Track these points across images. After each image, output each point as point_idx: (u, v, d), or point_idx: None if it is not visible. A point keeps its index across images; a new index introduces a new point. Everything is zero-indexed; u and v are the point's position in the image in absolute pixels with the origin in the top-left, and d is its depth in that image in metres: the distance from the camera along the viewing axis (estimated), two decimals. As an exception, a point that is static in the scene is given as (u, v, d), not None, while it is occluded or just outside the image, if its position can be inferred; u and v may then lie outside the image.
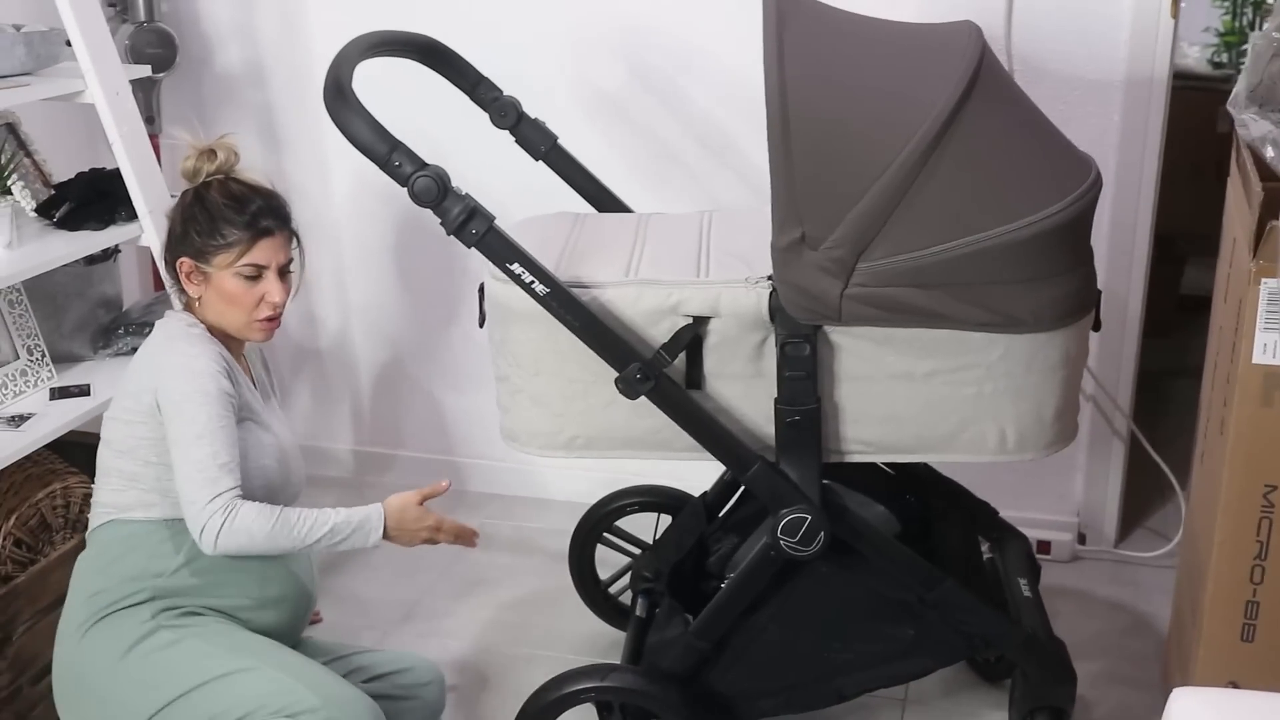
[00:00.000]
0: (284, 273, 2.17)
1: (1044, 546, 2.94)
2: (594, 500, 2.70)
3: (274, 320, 2.17)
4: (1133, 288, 2.81)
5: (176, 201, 2.18)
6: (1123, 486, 2.97)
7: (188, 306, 2.19)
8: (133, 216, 2.54)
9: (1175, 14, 2.62)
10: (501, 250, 1.90)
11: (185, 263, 2.14)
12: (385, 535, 2.11)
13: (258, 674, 2.02)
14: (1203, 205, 3.66)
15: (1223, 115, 4.04)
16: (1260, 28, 2.74)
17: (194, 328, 2.14)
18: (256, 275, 2.13)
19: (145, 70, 2.72)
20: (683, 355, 1.96)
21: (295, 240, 2.20)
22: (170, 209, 2.20)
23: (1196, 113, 3.39)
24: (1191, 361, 3.91)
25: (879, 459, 2.06)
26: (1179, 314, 4.12)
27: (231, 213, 2.11)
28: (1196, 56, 4.12)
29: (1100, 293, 2.02)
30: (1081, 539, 2.99)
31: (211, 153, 2.15)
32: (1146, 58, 2.64)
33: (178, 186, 2.64)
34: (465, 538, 2.20)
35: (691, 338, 1.95)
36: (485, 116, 2.38)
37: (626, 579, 2.61)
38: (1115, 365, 2.86)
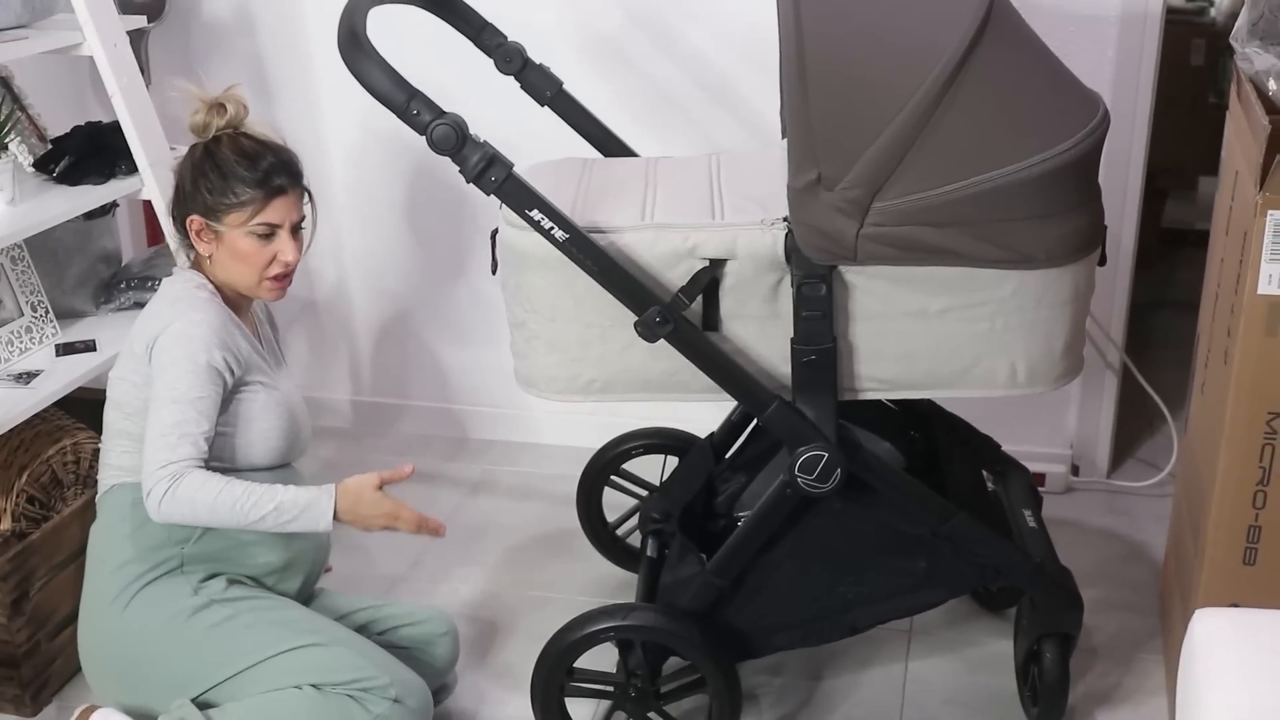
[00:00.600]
0: (296, 230, 2.17)
1: (1039, 479, 2.97)
2: (595, 445, 2.73)
3: (285, 279, 2.17)
4: (1125, 221, 2.85)
5: (184, 157, 2.16)
6: (1115, 418, 3.03)
7: (195, 264, 2.18)
8: (133, 170, 2.53)
9: (1168, -51, 2.64)
10: (521, 197, 1.91)
11: (195, 220, 2.12)
12: (336, 518, 2.03)
13: (325, 649, 2.06)
14: (1181, 140, 3.71)
15: (1196, 48, 4.10)
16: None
17: (201, 290, 2.13)
18: (269, 234, 2.12)
19: (141, 21, 2.69)
20: (700, 298, 1.98)
21: (308, 197, 2.20)
22: (177, 164, 2.18)
23: (1171, 47, 3.41)
24: (1174, 294, 4.00)
25: (893, 396, 2.09)
26: (1161, 246, 4.18)
27: (244, 170, 2.09)
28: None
29: (1106, 228, 2.06)
30: (1075, 470, 3.05)
31: (221, 106, 2.12)
32: (1140, -6, 2.66)
33: (175, 139, 2.64)
34: (429, 529, 2.08)
35: (709, 280, 1.97)
36: (490, 63, 2.38)
37: (634, 521, 2.65)
38: (1108, 298, 2.91)
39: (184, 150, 2.60)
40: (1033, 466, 2.95)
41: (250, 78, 3.14)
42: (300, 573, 2.23)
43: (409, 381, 3.37)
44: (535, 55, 2.39)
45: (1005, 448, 2.55)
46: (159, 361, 2.05)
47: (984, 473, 2.48)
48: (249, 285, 2.16)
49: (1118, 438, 3.10)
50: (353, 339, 3.37)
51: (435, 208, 3.12)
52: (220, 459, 2.11)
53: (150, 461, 2.00)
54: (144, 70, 3.07)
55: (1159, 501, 2.92)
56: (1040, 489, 2.96)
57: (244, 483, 2.01)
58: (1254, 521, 2.04)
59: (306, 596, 2.29)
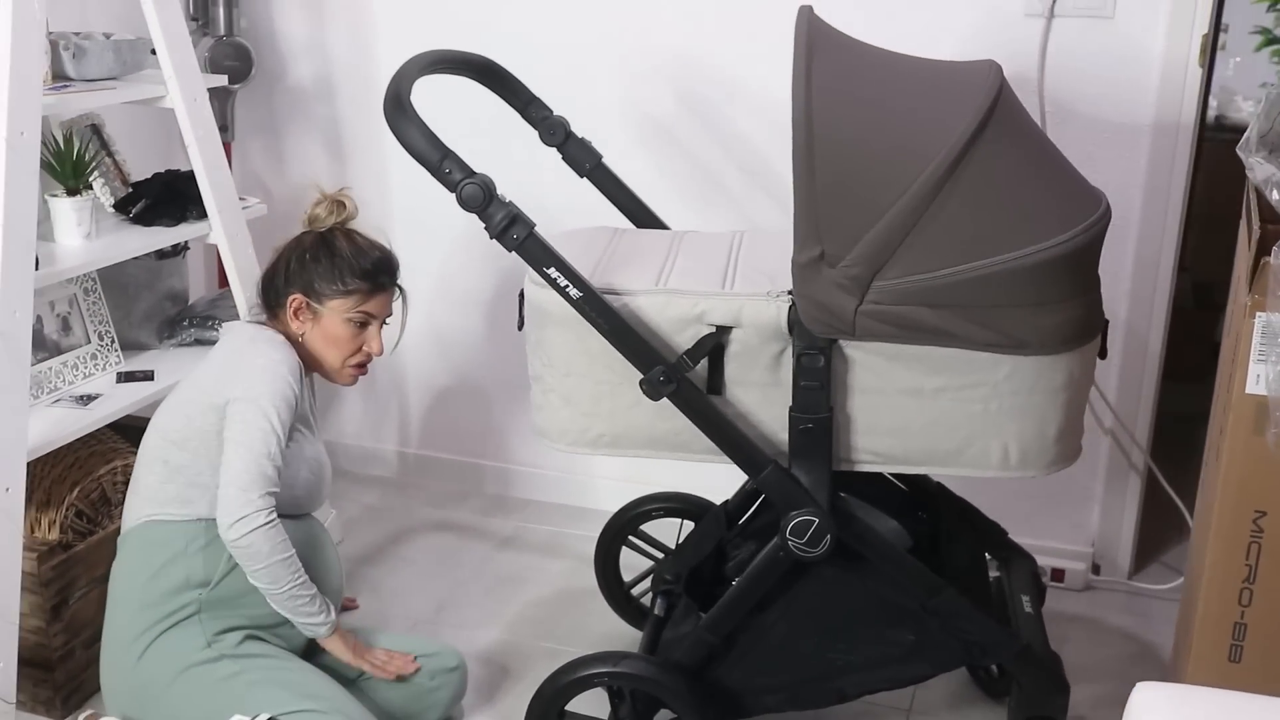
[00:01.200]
0: (382, 324, 2.36)
1: (1058, 574, 3.03)
2: (624, 507, 2.83)
3: (364, 369, 2.38)
4: (1154, 326, 2.89)
5: (294, 240, 2.36)
6: (1139, 520, 3.05)
7: (283, 334, 2.34)
8: (203, 215, 2.71)
9: (1203, 63, 2.71)
10: (539, 255, 2.03)
11: (298, 299, 2.31)
12: (324, 643, 2.30)
13: (323, 716, 2.14)
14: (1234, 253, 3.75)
15: (1260, 166, 4.14)
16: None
17: (277, 336, 2.31)
18: (365, 323, 2.33)
19: (222, 80, 2.90)
20: (705, 362, 2.08)
21: (401, 295, 2.40)
22: (285, 243, 2.37)
23: (1230, 161, 3.47)
24: (1223, 408, 3.99)
25: (887, 469, 2.16)
26: (1213, 360, 4.18)
27: (357, 262, 2.30)
28: (1251, 111, 4.20)
29: (1107, 321, 2.12)
30: (1096, 569, 3.07)
31: (341, 204, 2.34)
32: (1174, 104, 2.74)
33: (247, 191, 2.83)
34: (404, 669, 2.37)
35: (714, 345, 2.07)
36: (535, 137, 2.52)
37: (649, 582, 2.73)
38: (1135, 401, 2.95)
39: (254, 204, 2.82)
40: (1053, 562, 3.02)
41: (326, 140, 3.34)
42: None
43: (453, 437, 3.51)
44: (589, 134, 2.53)
45: (1026, 541, 2.60)
46: (249, 396, 2.20)
47: (987, 556, 2.53)
48: (333, 368, 2.36)
49: (1144, 541, 3.11)
50: (403, 394, 3.52)
51: (491, 271, 3.27)
52: None
53: (246, 487, 2.15)
54: (230, 127, 3.29)
55: (1177, 605, 2.92)
56: (1059, 585, 3.02)
57: (292, 578, 2.20)
58: (1239, 619, 2.07)
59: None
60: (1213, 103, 4.26)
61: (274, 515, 2.17)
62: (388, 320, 2.40)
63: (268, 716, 1.48)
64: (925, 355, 2.03)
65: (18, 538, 2.25)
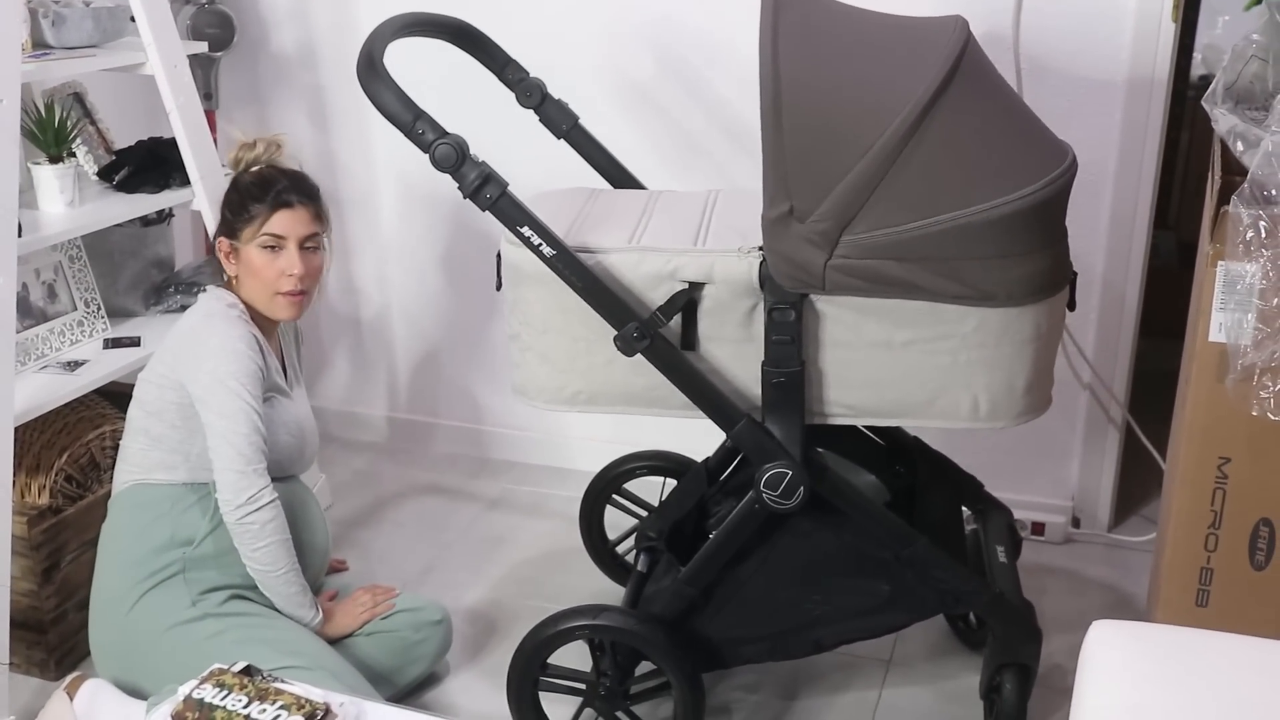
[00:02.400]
0: (307, 247, 2.34)
1: (1038, 528, 3.06)
2: (607, 466, 2.86)
3: (297, 295, 2.34)
4: (1130, 281, 2.92)
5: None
6: (1118, 474, 3.08)
7: (228, 285, 2.38)
8: (186, 182, 2.74)
9: (1176, 19, 2.73)
10: (513, 214, 2.06)
11: (223, 242, 2.35)
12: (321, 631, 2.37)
13: (305, 673, 2.14)
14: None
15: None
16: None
17: (233, 308, 2.32)
18: (276, 246, 2.31)
19: (202, 46, 2.92)
20: (679, 318, 2.11)
21: (322, 216, 2.38)
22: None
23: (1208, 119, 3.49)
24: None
25: (859, 422, 2.19)
26: (1197, 318, 4.21)
27: (257, 190, 2.31)
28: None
29: (1075, 274, 2.15)
30: (1075, 522, 3.10)
31: (251, 144, 2.36)
32: (1148, 60, 2.75)
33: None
34: (388, 596, 2.48)
35: (686, 301, 2.09)
36: (514, 101, 2.54)
37: (633, 539, 2.77)
38: (1112, 356, 2.98)
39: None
40: (1033, 516, 3.05)
41: (310, 109, 3.36)
42: None
43: (440, 402, 3.54)
44: (570, 99, 2.55)
45: (1005, 495, 2.64)
46: (213, 379, 2.24)
47: (963, 509, 2.56)
48: (265, 301, 2.34)
49: (1123, 494, 3.15)
50: (391, 359, 3.55)
51: (476, 238, 3.29)
52: None
53: (247, 464, 2.22)
54: (214, 95, 3.31)
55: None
56: (1039, 538, 3.06)
57: (282, 561, 2.27)
58: (1206, 564, 2.11)
59: (314, 591, 2.45)
60: (1197, 58, 4.26)
61: (275, 495, 2.23)
62: (311, 244, 2.35)
63: (244, 664, 1.51)
64: (894, 309, 2.05)
65: (7, 502, 2.29)
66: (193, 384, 2.25)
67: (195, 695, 1.47)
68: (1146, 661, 1.46)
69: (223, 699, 1.45)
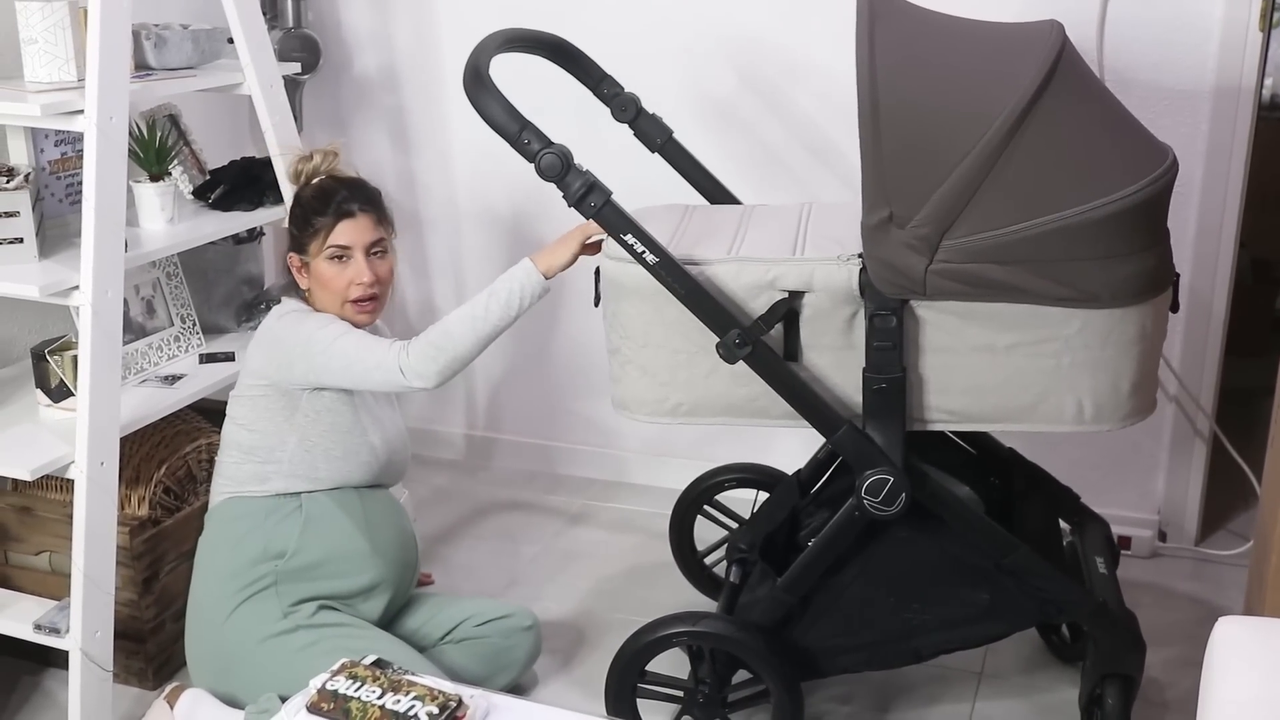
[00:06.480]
0: (375, 254, 2.36)
1: (1125, 542, 3.04)
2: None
3: (371, 301, 2.36)
4: (1217, 292, 2.90)
5: None
6: (1205, 487, 3.06)
7: (304, 299, 2.41)
8: (278, 200, 2.78)
9: (1264, 28, 2.72)
10: (617, 222, 2.08)
11: (293, 258, 2.38)
12: (545, 275, 2.27)
13: None
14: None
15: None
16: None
17: (306, 306, 2.38)
18: (342, 256, 2.33)
19: (294, 68, 2.97)
20: (780, 328, 2.12)
21: (386, 221, 2.39)
22: None
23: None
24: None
25: (962, 428, 2.18)
26: (1274, 335, 4.18)
27: (318, 203, 2.34)
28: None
29: (1178, 275, 2.13)
30: (1163, 536, 3.08)
31: (308, 156, 2.40)
32: (1234, 70, 2.75)
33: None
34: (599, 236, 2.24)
35: (787, 310, 2.10)
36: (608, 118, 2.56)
37: (722, 551, 2.77)
38: (1199, 368, 2.96)
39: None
40: (1119, 530, 3.01)
41: (392, 130, 3.41)
42: (386, 593, 2.41)
43: (518, 419, 3.56)
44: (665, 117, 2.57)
45: (1093, 510, 2.61)
46: (319, 349, 2.27)
47: (1060, 521, 2.55)
48: (338, 311, 2.36)
49: (1211, 510, 3.12)
50: (470, 377, 3.58)
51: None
52: (313, 474, 2.34)
53: (382, 363, 2.23)
54: (297, 118, 3.36)
55: (1245, 571, 2.93)
56: (1126, 553, 3.03)
57: (457, 310, 2.25)
58: (1314, 570, 2.09)
59: (404, 603, 2.48)
60: (1267, 81, 4.24)
61: (404, 348, 2.23)
62: (378, 250, 2.37)
63: (375, 657, 1.53)
64: (997, 312, 2.05)
65: (113, 510, 2.33)
66: (302, 369, 2.28)
67: (329, 687, 1.48)
68: (1277, 656, 1.44)
69: (356, 690, 1.46)
